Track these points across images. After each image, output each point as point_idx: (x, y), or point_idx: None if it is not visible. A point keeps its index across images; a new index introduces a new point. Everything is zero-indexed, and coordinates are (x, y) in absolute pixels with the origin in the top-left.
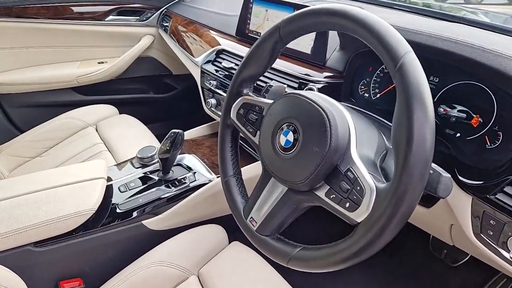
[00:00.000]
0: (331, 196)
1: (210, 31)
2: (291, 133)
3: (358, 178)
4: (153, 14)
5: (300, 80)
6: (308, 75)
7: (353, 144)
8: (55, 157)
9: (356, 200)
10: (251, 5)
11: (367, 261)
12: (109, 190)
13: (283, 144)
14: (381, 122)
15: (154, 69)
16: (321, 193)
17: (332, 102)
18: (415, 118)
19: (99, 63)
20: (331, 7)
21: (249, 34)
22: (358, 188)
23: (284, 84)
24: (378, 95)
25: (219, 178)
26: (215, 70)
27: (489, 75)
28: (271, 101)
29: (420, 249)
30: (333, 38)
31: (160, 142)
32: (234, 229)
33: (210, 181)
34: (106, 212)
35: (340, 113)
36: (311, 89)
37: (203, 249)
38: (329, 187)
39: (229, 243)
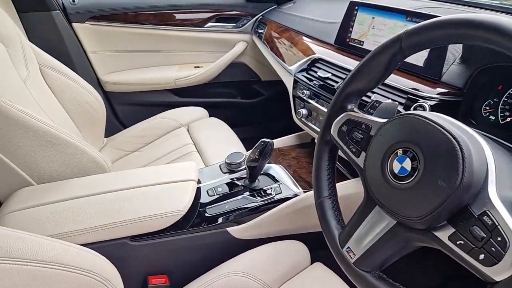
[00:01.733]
0: (458, 242)
1: (306, 38)
2: (408, 160)
3: (498, 226)
4: (248, 21)
5: (408, 95)
6: (417, 90)
7: (491, 182)
8: (150, 153)
9: (495, 254)
10: (355, 12)
11: None
12: (198, 192)
13: (396, 172)
14: None
15: (244, 74)
16: (442, 236)
17: (464, 128)
18: None
19: (195, 67)
20: (474, 18)
21: (349, 43)
22: (499, 239)
23: (389, 99)
24: (509, 119)
25: (306, 193)
26: (309, 79)
27: None
28: (381, 120)
29: None
30: (452, 49)
31: (246, 146)
32: (316, 248)
33: (296, 195)
34: (194, 214)
35: (476, 143)
36: (422, 106)
37: (285, 265)
38: (454, 230)
39: (311, 262)
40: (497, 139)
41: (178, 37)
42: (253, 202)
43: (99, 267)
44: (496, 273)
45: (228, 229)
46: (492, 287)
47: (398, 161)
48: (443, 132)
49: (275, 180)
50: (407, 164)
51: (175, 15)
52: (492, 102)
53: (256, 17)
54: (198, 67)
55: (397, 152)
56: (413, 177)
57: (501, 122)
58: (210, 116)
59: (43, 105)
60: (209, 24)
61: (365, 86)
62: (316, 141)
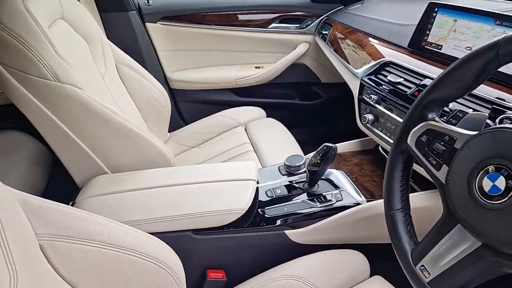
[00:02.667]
0: None
1: (374, 41)
2: (502, 178)
3: None
4: (312, 22)
5: (493, 106)
6: (504, 100)
7: None
8: (209, 150)
9: None
10: (434, 14)
11: None
12: (257, 192)
13: (486, 190)
14: None
15: (304, 76)
16: None
17: None
18: None
19: (256, 67)
20: None
21: (425, 47)
22: None
23: (470, 108)
24: None
25: (370, 202)
26: (377, 83)
27: None
28: (468, 132)
29: None
30: None
31: (302, 148)
32: (376, 260)
33: (359, 204)
34: (253, 214)
35: None
36: (509, 118)
37: (342, 275)
38: None
39: (370, 275)
40: None
41: (241, 38)
42: (312, 207)
43: (166, 256)
44: None
45: (286, 231)
46: None
47: (490, 179)
48: None
49: (335, 186)
50: (501, 182)
51: (240, 15)
52: None
53: (321, 18)
54: (259, 67)
55: (488, 169)
56: (507, 198)
57: None
58: (267, 116)
59: (118, 99)
60: (273, 24)
61: (450, 94)
62: (389, 149)
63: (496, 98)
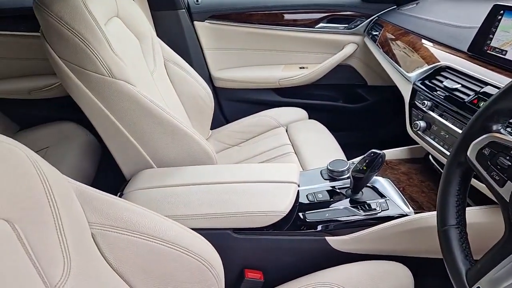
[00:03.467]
0: None
1: (429, 43)
2: None
3: None
4: (362, 22)
5: None
6: None
7: None
8: (249, 149)
9: None
10: (499, 17)
11: None
12: (298, 195)
13: None
14: None
15: (350, 77)
16: None
17: None
18: None
19: (300, 68)
20: None
21: (488, 52)
22: None
23: None
24: None
25: (418, 214)
26: (431, 89)
27: None
28: None
29: None
30: None
31: (345, 152)
32: (420, 274)
33: (406, 215)
34: (293, 217)
35: None
36: None
37: (384, 287)
38: None
39: None
40: None
41: (287, 37)
42: (355, 215)
43: (207, 253)
44: None
45: (326, 238)
46: None
47: None
48: None
49: (381, 195)
50: None
51: (287, 15)
52: None
53: (371, 18)
54: (304, 67)
55: None
56: None
57: None
58: (309, 118)
59: (165, 95)
60: (320, 24)
61: None
62: (445, 160)
63: None
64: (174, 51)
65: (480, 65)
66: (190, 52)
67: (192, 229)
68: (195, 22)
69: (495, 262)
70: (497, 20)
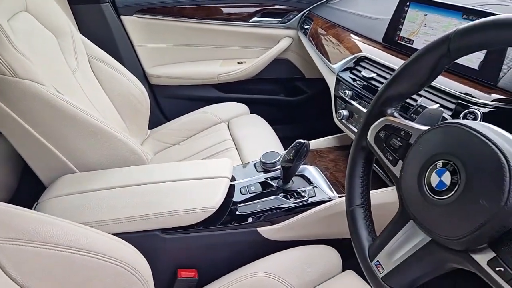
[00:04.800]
0: (497, 269)
1: (353, 35)
2: (448, 173)
3: None
4: (295, 16)
5: (459, 101)
6: (471, 95)
7: None
8: (190, 147)
9: None
10: (406, 8)
11: None
12: (231, 190)
13: (434, 186)
14: None
15: (288, 71)
16: (481, 260)
17: None
18: None
19: (238, 62)
20: None
21: (398, 42)
22: None
23: (437, 103)
24: None
25: (342, 198)
26: (352, 79)
27: None
28: (423, 127)
29: None
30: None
31: (286, 145)
32: (349, 256)
33: (331, 199)
34: (225, 212)
35: None
36: (473, 113)
37: (315, 271)
38: (495, 254)
39: (343, 270)
40: None
41: (222, 32)
42: (285, 204)
43: (129, 257)
44: None
45: (258, 229)
46: None
47: (437, 174)
48: (489, 145)
49: (310, 182)
50: (447, 178)
51: (220, 9)
52: None
53: (303, 12)
54: (241, 62)
55: (436, 164)
56: (452, 193)
57: None
58: (251, 112)
59: (91, 95)
60: (254, 18)
61: (407, 90)
62: (352, 147)
63: (464, 93)
64: (101, 48)
65: (393, 55)
66: (119, 48)
67: (117, 234)
68: (122, 17)
69: (391, 236)
70: (404, 11)
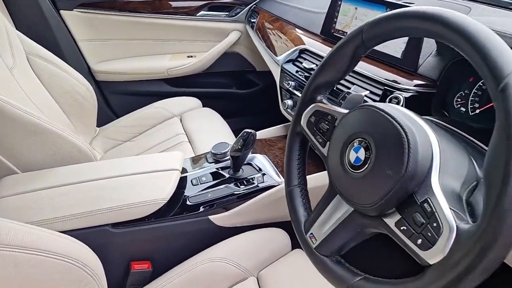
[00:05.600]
0: (401, 228)
1: (296, 29)
2: (362, 150)
3: (435, 213)
4: (242, 10)
5: (385, 87)
6: (396, 82)
7: (435, 171)
8: (142, 143)
9: (430, 238)
10: (339, 2)
11: None
12: (182, 181)
13: (352, 161)
14: (476, 146)
15: (239, 64)
16: (390, 222)
17: (415, 119)
18: None
19: (188, 56)
20: (425, 10)
21: (334, 34)
22: (435, 224)
23: (367, 90)
24: (477, 111)
25: None
26: (295, 70)
27: None
28: (345, 111)
29: None
30: (429, 41)
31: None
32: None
33: (279, 184)
34: (177, 203)
35: (423, 134)
36: (397, 97)
37: (265, 252)
38: (400, 216)
39: (292, 249)
40: (453, 128)
41: (170, 26)
42: (236, 191)
43: (76, 252)
44: (430, 257)
45: (210, 217)
46: (426, 270)
47: (354, 151)
48: (393, 123)
49: (259, 170)
50: (361, 154)
51: (166, 3)
52: (463, 94)
53: (249, 6)
54: (191, 56)
55: (354, 142)
56: (366, 167)
57: (470, 114)
58: (203, 106)
59: (31, 94)
60: (202, 12)
61: (332, 77)
62: (288, 132)
63: (390, 80)
64: (40, 44)
65: (330, 46)
66: (60, 44)
67: (65, 231)
68: (62, 11)
69: (322, 210)
70: (338, 5)
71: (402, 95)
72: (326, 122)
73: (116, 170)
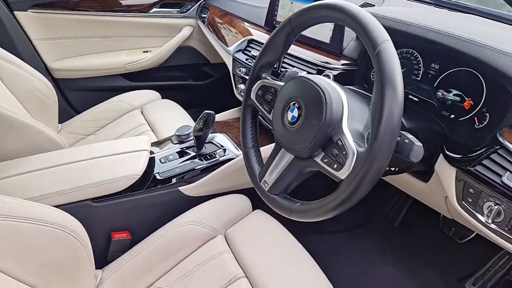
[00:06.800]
0: (325, 161)
1: (243, 22)
2: (296, 109)
3: (345, 145)
4: (192, 6)
5: (319, 67)
6: (327, 63)
7: (345, 118)
8: (106, 135)
9: (341, 162)
10: None
11: (384, 233)
12: (151, 161)
13: (289, 119)
14: None
15: (193, 58)
16: (318, 159)
17: (331, 83)
18: (386, 98)
19: (144, 52)
20: (328, 1)
21: (275, 25)
22: (344, 152)
23: (305, 71)
24: None
25: None
26: (245, 58)
27: (479, 65)
28: (283, 84)
29: (431, 227)
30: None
31: None
32: (258, 200)
33: (238, 156)
34: (149, 178)
35: (336, 93)
36: (327, 75)
37: (230, 214)
38: (324, 153)
39: (253, 210)
40: (360, 91)
41: (124, 23)
42: (201, 165)
43: (65, 221)
44: (342, 174)
45: (180, 188)
46: (340, 184)
47: (291, 111)
48: (315, 87)
49: (220, 146)
50: (295, 112)
51: (118, 1)
52: None
53: (199, 2)
54: (147, 51)
55: (290, 105)
56: (299, 121)
57: None
58: (163, 98)
59: None
60: (154, 9)
61: (272, 59)
62: (242, 105)
63: (322, 62)
64: None
65: None
66: (16, 44)
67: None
68: (16, 12)
69: (270, 162)
70: (277, 0)
71: (332, 73)
72: (270, 94)
73: (89, 154)
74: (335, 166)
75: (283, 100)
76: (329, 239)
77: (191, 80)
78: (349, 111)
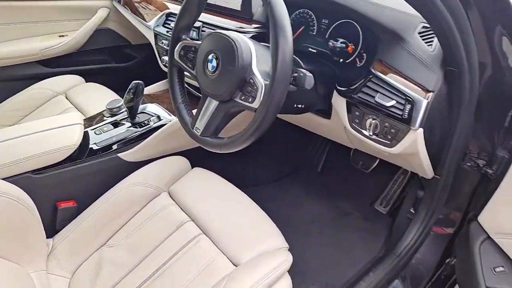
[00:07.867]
0: (242, 98)
1: None
2: (214, 60)
3: (255, 82)
4: None
5: (235, 31)
6: (241, 27)
7: (254, 62)
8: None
9: (254, 95)
10: None
11: (309, 178)
12: (86, 134)
13: (210, 69)
14: None
15: (114, 40)
16: (237, 99)
17: (240, 35)
18: (279, 40)
19: (60, 36)
20: None
21: None
22: (255, 87)
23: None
24: None
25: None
26: (166, 31)
27: (355, 15)
28: (199, 42)
29: (344, 165)
30: None
31: None
32: (196, 160)
33: (171, 121)
34: (86, 148)
35: (245, 43)
36: None
37: (171, 173)
38: (241, 93)
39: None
40: (266, 44)
41: (34, 7)
42: (136, 132)
43: (11, 191)
44: (256, 104)
45: (119, 155)
46: (255, 114)
47: (210, 62)
48: (227, 39)
49: (153, 114)
50: (214, 63)
51: None
52: None
53: None
54: (63, 36)
55: (209, 57)
56: (218, 70)
57: None
58: (86, 82)
59: None
60: None
61: (188, 21)
62: (168, 66)
63: (238, 27)
64: None
65: None
66: None
67: None
68: None
69: (199, 111)
70: None
71: (247, 36)
72: (191, 52)
73: (23, 132)
74: (250, 99)
75: (202, 54)
76: (264, 189)
77: (114, 63)
78: (257, 56)
